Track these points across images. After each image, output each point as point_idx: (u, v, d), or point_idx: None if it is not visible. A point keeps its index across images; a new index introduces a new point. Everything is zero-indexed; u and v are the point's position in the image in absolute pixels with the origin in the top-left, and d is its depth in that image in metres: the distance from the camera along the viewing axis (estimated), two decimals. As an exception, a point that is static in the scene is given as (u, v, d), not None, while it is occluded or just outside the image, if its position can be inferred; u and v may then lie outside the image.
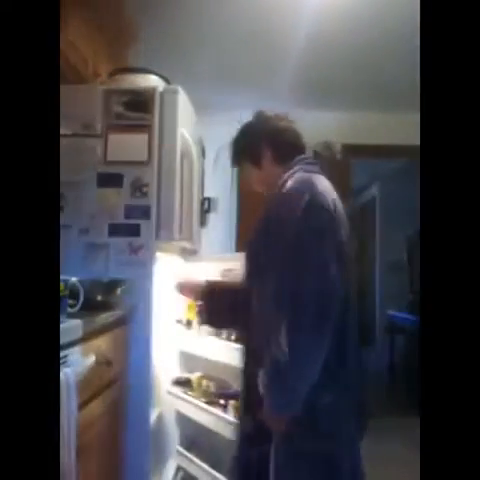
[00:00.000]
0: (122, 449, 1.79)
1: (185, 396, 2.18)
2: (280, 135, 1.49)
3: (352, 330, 1.32)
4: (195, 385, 2.19)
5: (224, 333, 2.06)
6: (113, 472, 1.73)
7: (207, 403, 2.06)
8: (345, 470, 1.29)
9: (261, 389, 1.25)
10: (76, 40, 1.95)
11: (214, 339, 2.06)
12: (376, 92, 3.39)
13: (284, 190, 1.31)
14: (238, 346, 1.87)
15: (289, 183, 1.33)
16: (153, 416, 2.05)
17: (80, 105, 1.93)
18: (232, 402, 1.96)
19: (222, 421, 1.95)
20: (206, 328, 2.14)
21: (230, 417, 1.91)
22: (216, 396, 2.07)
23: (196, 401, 2.11)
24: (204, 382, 2.16)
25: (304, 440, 1.25)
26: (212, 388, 2.12)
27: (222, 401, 2.01)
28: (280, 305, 1.20)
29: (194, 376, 2.22)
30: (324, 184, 1.33)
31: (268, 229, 1.31)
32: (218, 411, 1.99)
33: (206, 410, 2.04)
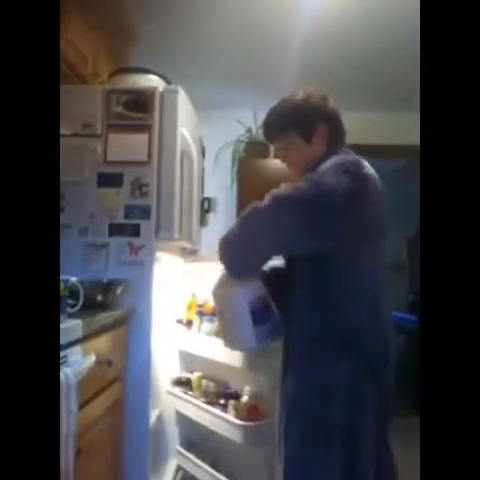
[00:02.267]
0: (122, 449, 1.79)
1: (185, 396, 2.18)
2: (337, 117, 1.46)
3: (377, 303, 1.35)
4: (195, 385, 2.18)
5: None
6: (113, 472, 1.73)
7: (207, 403, 2.05)
8: (364, 453, 1.27)
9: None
10: (76, 40, 1.95)
11: (214, 339, 2.06)
12: (376, 92, 3.39)
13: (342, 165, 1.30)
14: None
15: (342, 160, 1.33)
16: (153, 416, 2.05)
17: (80, 105, 1.93)
18: (232, 402, 1.95)
19: (222, 421, 1.95)
20: (205, 328, 2.13)
21: (230, 417, 1.91)
22: (216, 396, 2.06)
23: (196, 401, 2.10)
24: (204, 382, 2.16)
25: (319, 410, 1.27)
26: (212, 388, 2.11)
27: (222, 401, 2.01)
28: None
29: (194, 376, 2.22)
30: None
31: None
32: (218, 411, 1.98)
33: (206, 410, 2.04)
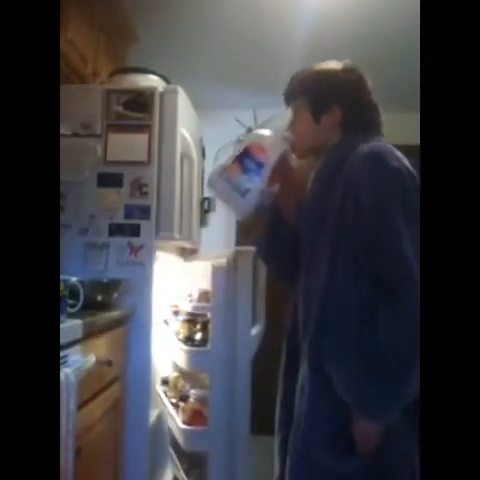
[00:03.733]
0: (121, 448, 1.79)
1: (163, 396, 2.13)
2: (366, 104, 1.28)
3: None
4: (171, 385, 2.13)
5: (181, 334, 1.96)
6: (112, 472, 1.73)
7: (172, 404, 1.99)
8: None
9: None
10: (76, 40, 1.95)
11: (174, 340, 1.99)
12: (376, 92, 3.38)
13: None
14: (187, 348, 1.83)
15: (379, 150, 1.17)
16: (153, 416, 2.05)
17: (80, 105, 1.93)
18: (182, 405, 1.90)
19: (173, 423, 1.90)
20: (174, 328, 2.06)
21: (177, 419, 1.86)
22: (182, 397, 2.00)
23: (165, 401, 2.06)
24: (180, 382, 2.11)
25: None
26: (184, 389, 2.04)
27: (181, 403, 1.94)
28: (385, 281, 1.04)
29: (171, 376, 2.17)
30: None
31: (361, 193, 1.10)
32: (173, 413, 1.93)
33: (169, 411, 1.98)
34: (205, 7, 2.40)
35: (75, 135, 1.90)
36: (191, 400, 1.87)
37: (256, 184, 1.23)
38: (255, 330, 1.89)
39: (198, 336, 1.90)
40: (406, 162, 1.16)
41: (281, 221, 1.31)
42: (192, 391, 1.89)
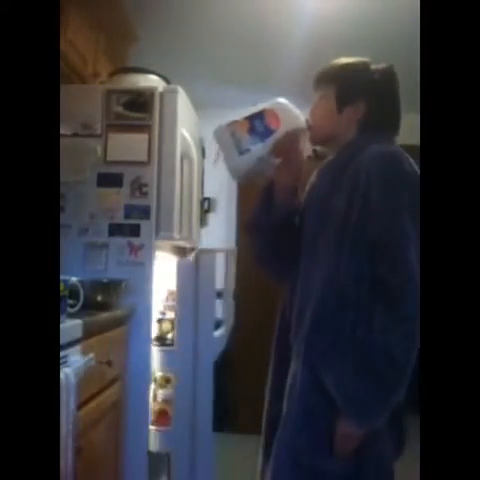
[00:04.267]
0: (121, 449, 1.79)
1: (151, 395, 2.12)
2: (391, 108, 1.30)
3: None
4: (157, 384, 2.14)
5: (154, 333, 1.93)
6: (112, 472, 1.73)
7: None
8: None
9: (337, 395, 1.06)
10: (76, 40, 1.95)
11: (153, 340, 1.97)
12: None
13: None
14: (155, 347, 1.83)
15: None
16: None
17: (80, 105, 1.93)
18: (152, 404, 1.88)
19: None
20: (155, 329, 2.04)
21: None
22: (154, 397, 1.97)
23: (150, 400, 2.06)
24: (165, 381, 2.09)
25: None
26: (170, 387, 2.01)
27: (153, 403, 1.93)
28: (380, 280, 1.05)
29: (158, 375, 2.18)
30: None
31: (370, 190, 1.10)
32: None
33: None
34: (205, 7, 2.40)
35: (75, 135, 1.90)
36: (158, 400, 1.87)
37: (257, 149, 1.22)
38: (221, 330, 1.90)
39: (170, 336, 1.90)
40: (416, 168, 1.16)
41: (273, 196, 1.29)
42: (159, 391, 1.89)
